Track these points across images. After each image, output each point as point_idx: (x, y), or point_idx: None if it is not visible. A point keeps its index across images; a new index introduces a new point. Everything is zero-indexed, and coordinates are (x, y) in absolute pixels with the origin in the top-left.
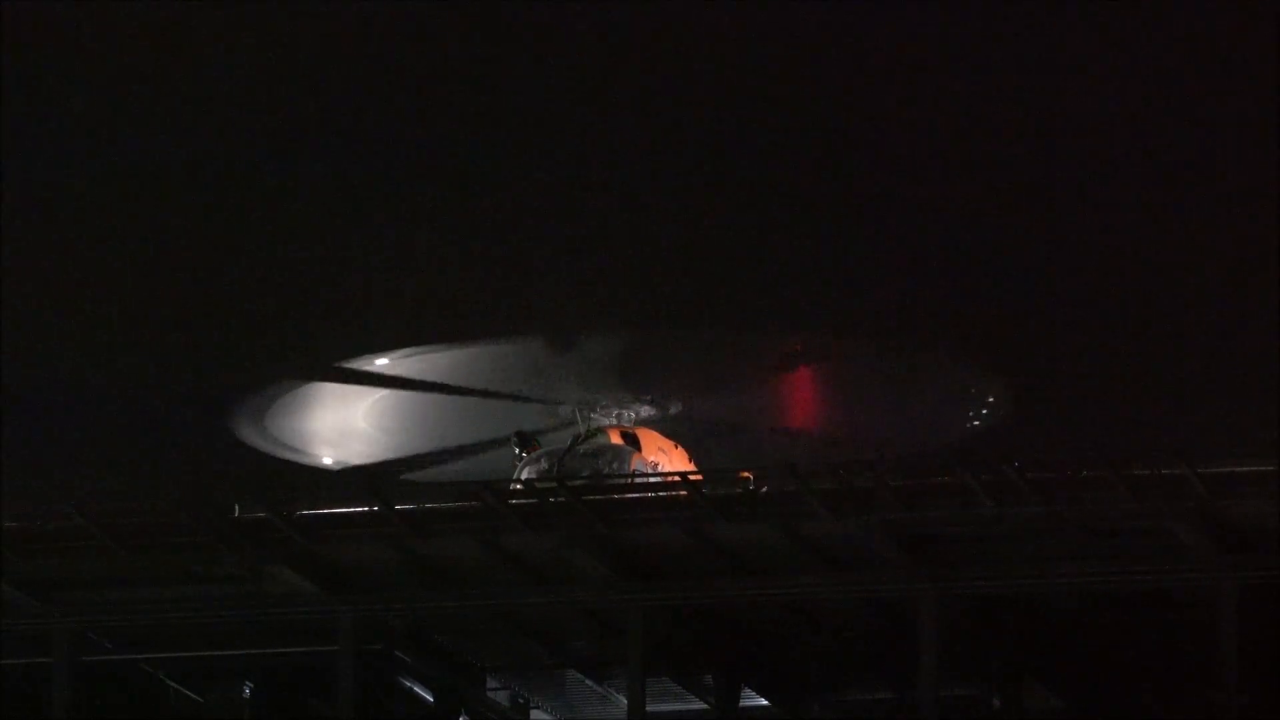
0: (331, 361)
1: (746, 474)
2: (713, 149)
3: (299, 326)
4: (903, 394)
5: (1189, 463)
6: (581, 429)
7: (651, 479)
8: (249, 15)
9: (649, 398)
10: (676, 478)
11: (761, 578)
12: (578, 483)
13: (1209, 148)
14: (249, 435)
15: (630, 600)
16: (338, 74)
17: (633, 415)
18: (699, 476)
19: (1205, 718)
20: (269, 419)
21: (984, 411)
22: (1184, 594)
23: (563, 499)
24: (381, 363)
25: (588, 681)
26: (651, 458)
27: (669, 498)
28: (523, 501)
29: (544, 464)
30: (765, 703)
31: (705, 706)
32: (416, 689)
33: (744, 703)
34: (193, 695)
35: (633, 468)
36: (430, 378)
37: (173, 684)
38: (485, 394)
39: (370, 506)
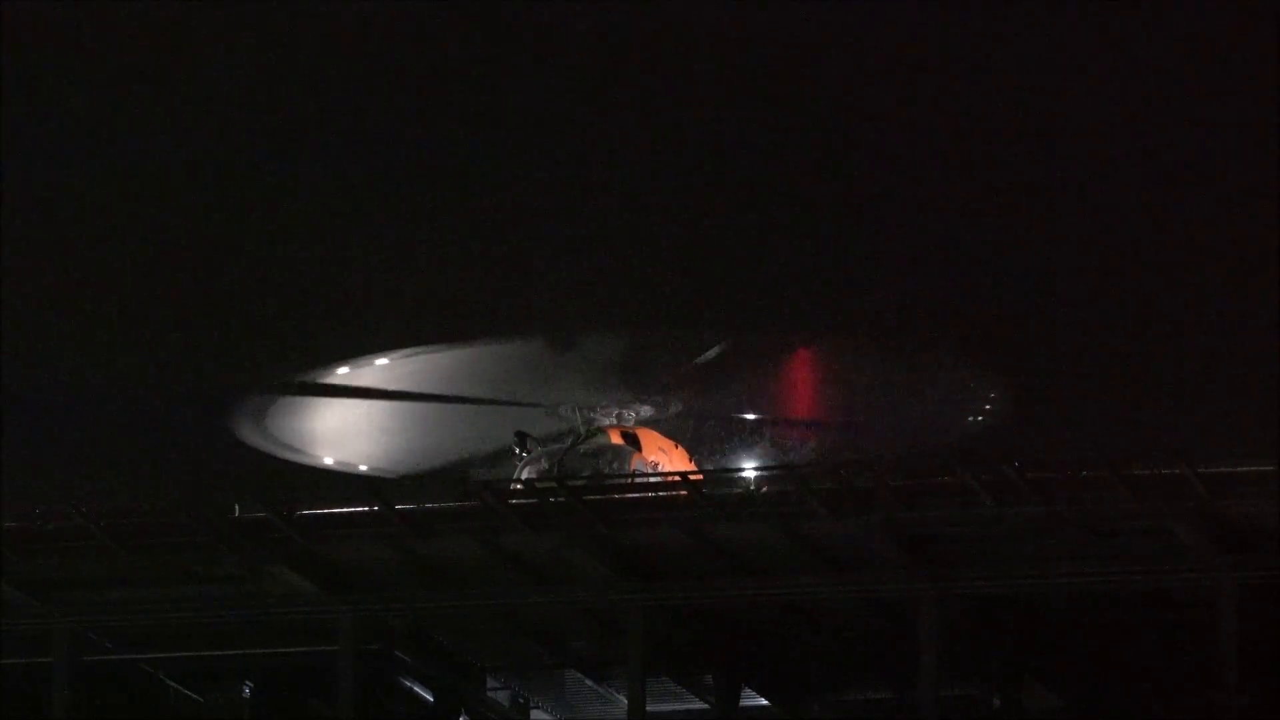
0: (331, 361)
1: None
2: (713, 148)
3: (299, 326)
4: (903, 394)
5: (1189, 463)
6: (581, 429)
7: (651, 479)
8: (249, 15)
9: (649, 398)
10: (676, 478)
11: (761, 578)
12: (578, 483)
13: (1209, 148)
14: (249, 435)
15: (630, 600)
16: (338, 74)
17: (633, 415)
18: (699, 476)
19: (1205, 718)
20: (269, 419)
21: (984, 411)
22: (1184, 594)
23: (563, 499)
24: (381, 363)
25: (588, 681)
26: (651, 458)
27: (669, 498)
28: (523, 501)
29: (544, 464)
30: (765, 703)
31: (705, 706)
32: (416, 689)
33: (744, 703)
34: (193, 695)
35: (633, 468)
36: (430, 378)
37: (173, 684)
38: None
39: (370, 506)
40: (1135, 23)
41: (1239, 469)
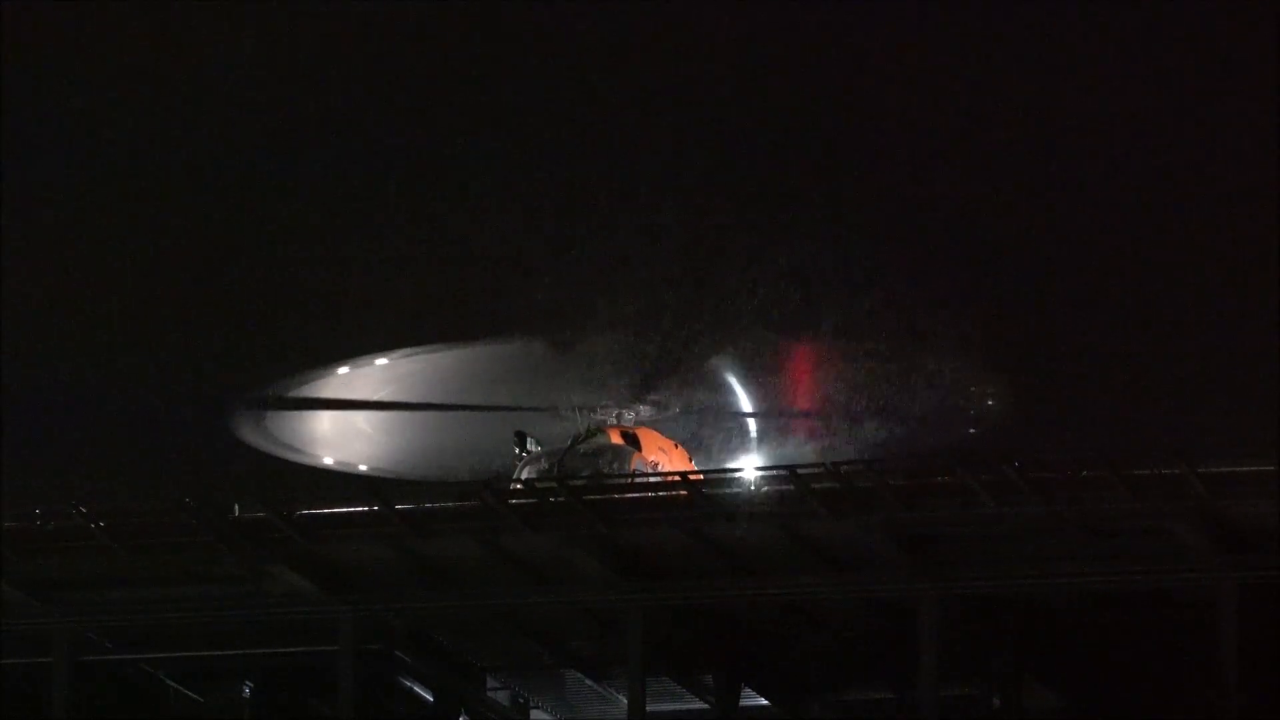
0: (331, 362)
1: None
2: (713, 148)
3: (299, 326)
4: (903, 394)
5: (1189, 463)
6: (581, 429)
7: (651, 479)
8: (249, 15)
9: (649, 398)
10: (676, 478)
11: (761, 578)
12: (578, 483)
13: (1209, 148)
14: (249, 435)
15: (630, 600)
16: (338, 74)
17: (633, 415)
18: (699, 476)
19: (1205, 718)
20: (269, 419)
21: (984, 412)
22: (1184, 594)
23: (563, 499)
24: (381, 363)
25: (588, 681)
26: (651, 458)
27: (669, 498)
28: (523, 501)
29: (544, 464)
30: (765, 703)
31: (705, 706)
32: (416, 689)
33: (744, 703)
34: (193, 695)
35: (633, 468)
36: (430, 378)
37: (173, 684)
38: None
39: (370, 506)
40: (1135, 23)
41: (1239, 469)
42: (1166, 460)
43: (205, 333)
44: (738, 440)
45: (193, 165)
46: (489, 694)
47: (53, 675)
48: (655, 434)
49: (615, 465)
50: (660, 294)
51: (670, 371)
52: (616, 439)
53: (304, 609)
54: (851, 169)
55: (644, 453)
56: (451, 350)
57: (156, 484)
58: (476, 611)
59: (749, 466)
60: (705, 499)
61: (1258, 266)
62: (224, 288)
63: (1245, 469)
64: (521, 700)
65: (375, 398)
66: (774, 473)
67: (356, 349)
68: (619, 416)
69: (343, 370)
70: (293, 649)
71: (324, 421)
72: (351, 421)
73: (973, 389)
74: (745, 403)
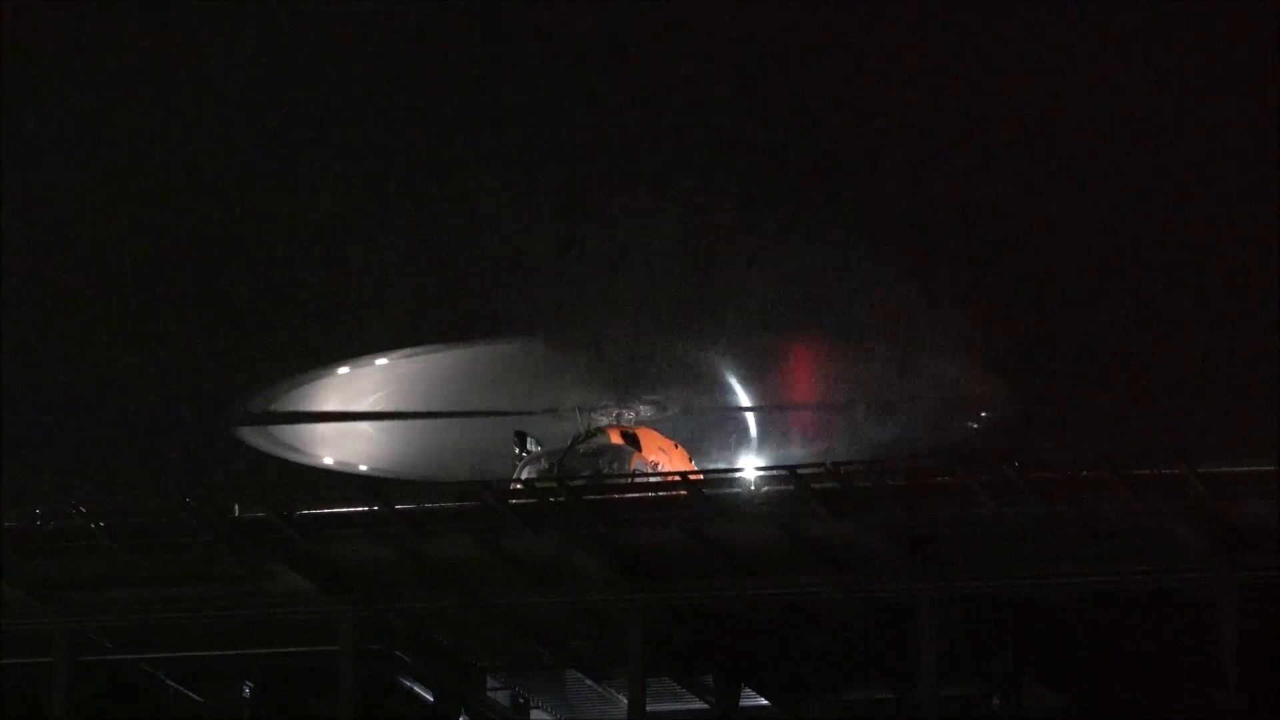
0: (331, 362)
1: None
2: (713, 148)
3: (299, 326)
4: (903, 394)
5: (1189, 463)
6: (581, 429)
7: (651, 479)
8: (249, 15)
9: (649, 398)
10: (676, 478)
11: (761, 578)
12: (578, 483)
13: (1209, 148)
14: (249, 435)
15: (630, 600)
16: (338, 74)
17: (633, 415)
18: (699, 476)
19: (1205, 718)
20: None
21: (984, 412)
22: (1184, 594)
23: (563, 499)
24: (381, 363)
25: (588, 681)
26: (651, 458)
27: (669, 498)
28: (523, 501)
29: (544, 464)
30: (765, 703)
31: (705, 706)
32: (416, 689)
33: (744, 703)
34: (193, 695)
35: (633, 468)
36: (430, 378)
37: (173, 684)
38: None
39: (370, 506)
40: (1135, 23)
41: (1239, 469)
42: (1166, 460)
43: (205, 333)
44: (738, 440)
45: (193, 165)
46: (489, 694)
47: (53, 675)
48: (655, 434)
49: (615, 465)
50: (660, 294)
51: (670, 371)
52: (616, 439)
53: (304, 609)
54: (851, 169)
55: (644, 453)
56: (451, 350)
57: (156, 484)
58: (476, 611)
59: (749, 466)
60: (705, 499)
61: (1258, 266)
62: (224, 288)
63: (1245, 469)
64: (521, 700)
65: (375, 398)
66: (774, 473)
67: (356, 349)
68: (619, 416)
69: (343, 370)
70: (293, 649)
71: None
72: (351, 421)
73: (973, 389)
74: (745, 402)
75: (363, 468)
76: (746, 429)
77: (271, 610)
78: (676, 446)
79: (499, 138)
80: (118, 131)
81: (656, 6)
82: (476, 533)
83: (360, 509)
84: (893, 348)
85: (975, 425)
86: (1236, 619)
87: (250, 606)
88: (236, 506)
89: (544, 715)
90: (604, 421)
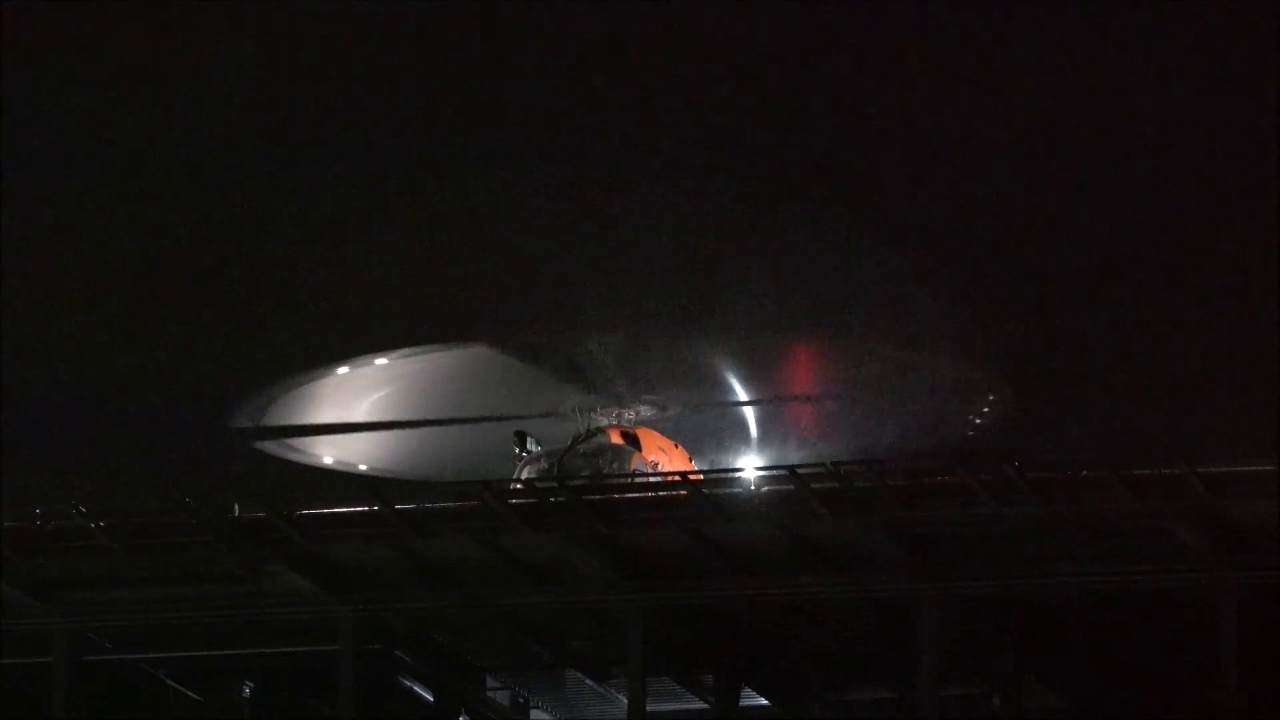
0: (331, 361)
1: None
2: (713, 148)
3: (299, 326)
4: (903, 394)
5: (1189, 463)
6: (581, 429)
7: (651, 479)
8: (249, 15)
9: (649, 398)
10: (676, 478)
11: (761, 578)
12: (578, 483)
13: (1209, 148)
14: (249, 435)
15: (630, 600)
16: (338, 74)
17: (633, 415)
18: (699, 476)
19: (1205, 718)
20: (269, 419)
21: (984, 411)
22: (1184, 594)
23: (563, 499)
24: (381, 363)
25: (588, 681)
26: (651, 458)
27: (669, 498)
28: (523, 501)
29: (544, 464)
30: (765, 703)
31: (705, 706)
32: (416, 689)
33: (744, 703)
34: (193, 695)
35: (633, 468)
36: (430, 378)
37: (173, 684)
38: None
39: (370, 506)
40: (1135, 23)
41: (1239, 469)
42: (1166, 460)
43: (205, 333)
44: (737, 440)
45: (193, 165)
46: (489, 694)
47: (53, 675)
48: (655, 434)
49: (615, 465)
50: (660, 294)
51: (670, 371)
52: (616, 439)
53: (304, 609)
54: (851, 168)
55: (644, 453)
56: (451, 350)
57: (156, 484)
58: (476, 611)
59: (749, 466)
60: (705, 499)
61: (1258, 266)
62: (224, 288)
63: (1245, 469)
64: (521, 700)
65: (375, 398)
66: (774, 473)
67: (356, 349)
68: (619, 416)
69: (342, 370)
70: (293, 649)
71: (324, 421)
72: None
73: (973, 389)
74: (745, 402)
75: (363, 468)
76: (746, 429)
77: (271, 610)
78: (676, 446)
79: (499, 138)
80: (118, 131)
81: (656, 6)
82: (476, 533)
83: (360, 509)
84: (892, 347)
85: (975, 425)
86: (1236, 619)
87: (250, 606)
88: (236, 506)
89: (544, 715)
90: (604, 421)
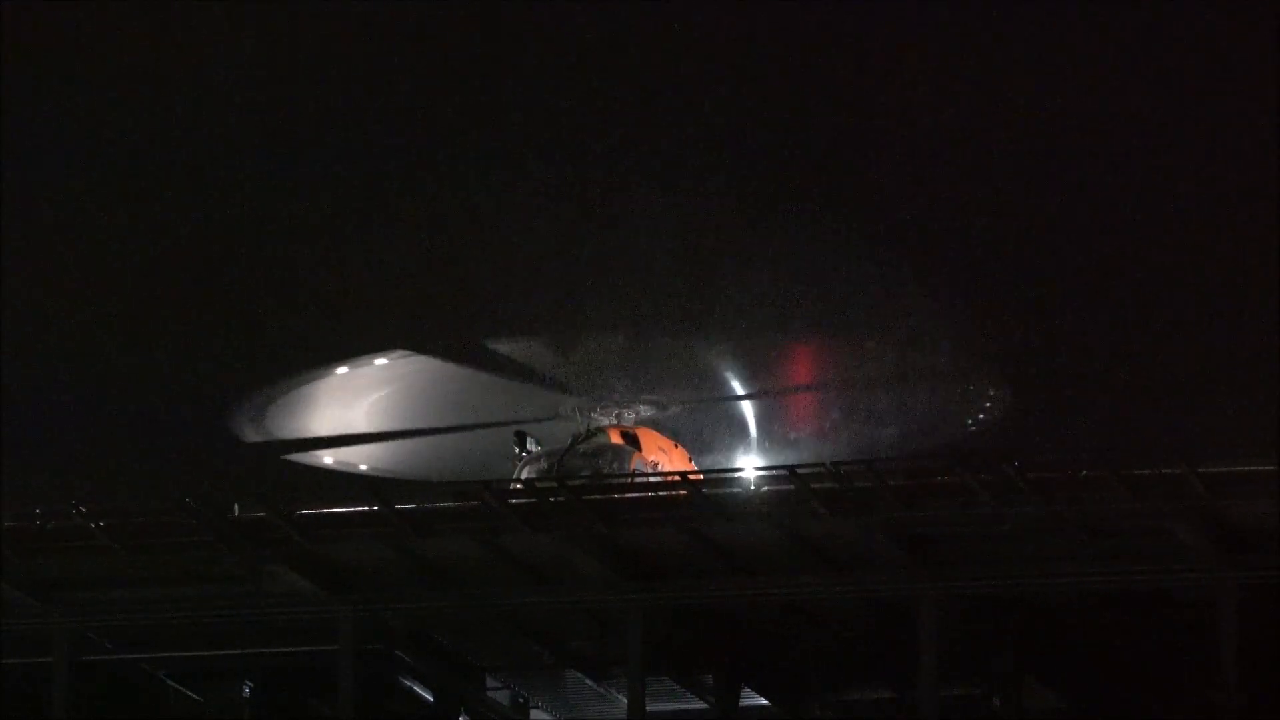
0: (332, 361)
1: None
2: (713, 148)
3: (299, 326)
4: (902, 394)
5: (1189, 463)
6: (581, 428)
7: (651, 479)
8: (249, 15)
9: (649, 398)
10: (676, 478)
11: (761, 578)
12: (578, 483)
13: (1209, 148)
14: (249, 435)
15: (630, 600)
16: (338, 74)
17: (633, 415)
18: (699, 476)
19: (1205, 718)
20: (269, 419)
21: (984, 411)
22: (1184, 594)
23: (563, 499)
24: (381, 363)
25: (588, 681)
26: (651, 458)
27: (669, 498)
28: (523, 501)
29: (544, 464)
30: (765, 703)
31: (705, 706)
32: (416, 689)
33: (744, 703)
34: (193, 695)
35: (633, 468)
36: (430, 378)
37: (173, 684)
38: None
39: (370, 506)
40: (1135, 23)
41: (1239, 469)
42: (1166, 460)
43: (204, 333)
44: (737, 440)
45: (193, 165)
46: (489, 694)
47: (53, 675)
48: (655, 434)
49: (615, 465)
50: (660, 294)
51: (670, 371)
52: (616, 439)
53: (304, 609)
54: (851, 169)
55: (644, 453)
56: (451, 350)
57: (156, 484)
58: (476, 611)
59: (749, 466)
60: (705, 499)
61: (1258, 266)
62: (224, 288)
63: (1245, 469)
64: (521, 700)
65: (375, 398)
66: (774, 473)
67: (356, 349)
68: (619, 416)
69: (342, 370)
70: (293, 649)
71: (324, 421)
72: (351, 422)
73: (973, 389)
74: (745, 402)
75: (363, 468)
76: (746, 428)
77: (271, 610)
78: (676, 446)
79: (499, 138)
80: (118, 131)
81: (656, 6)
82: (476, 533)
83: (360, 509)
84: (892, 347)
85: (975, 425)
86: (1236, 619)
87: (250, 606)
88: (236, 506)
89: (544, 715)
90: (604, 421)
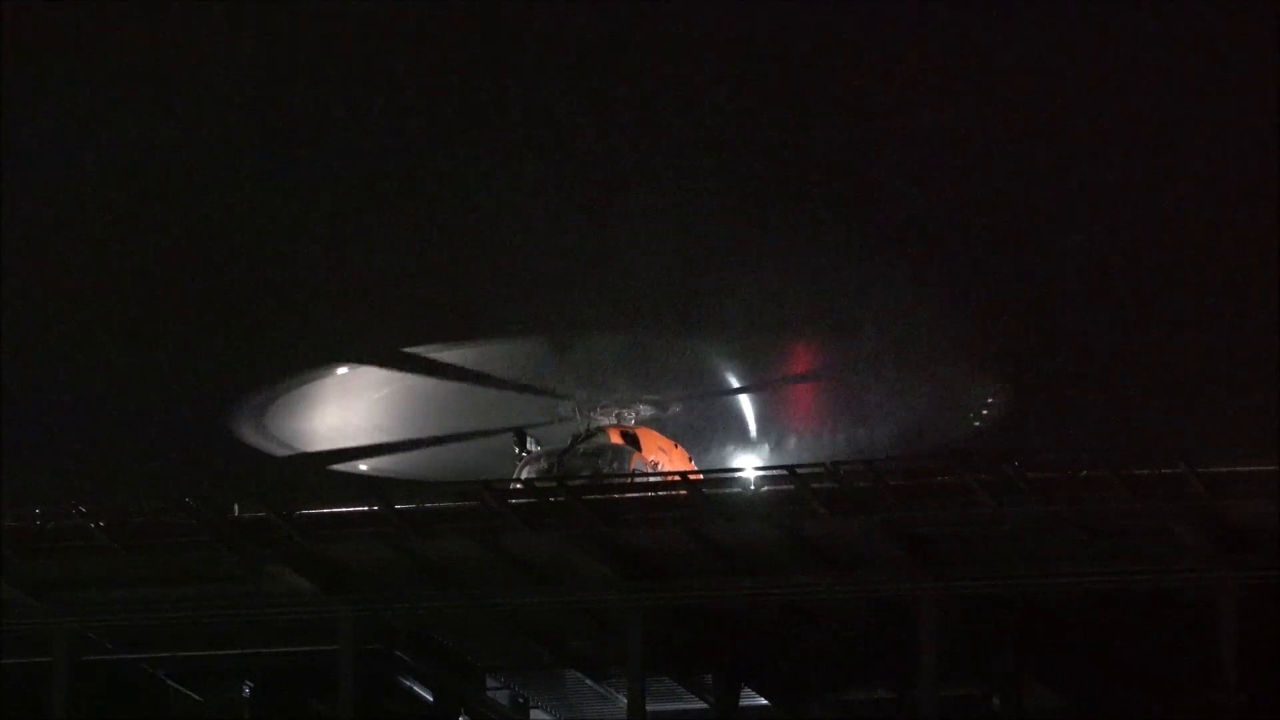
0: (332, 361)
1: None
2: (713, 148)
3: (299, 326)
4: (903, 393)
5: (1189, 463)
6: (581, 429)
7: (651, 479)
8: (249, 15)
9: (649, 398)
10: (676, 478)
11: (761, 578)
12: (578, 483)
13: (1209, 148)
14: (249, 435)
15: (630, 600)
16: (338, 74)
17: (633, 415)
18: (699, 476)
19: (1205, 718)
20: (269, 419)
21: (984, 411)
22: (1184, 594)
23: (563, 499)
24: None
25: (588, 681)
26: (651, 458)
27: (669, 498)
28: (523, 501)
29: (544, 464)
30: (765, 703)
31: (705, 706)
32: (416, 689)
33: (744, 703)
34: (193, 695)
35: (633, 468)
36: (429, 379)
37: (173, 684)
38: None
39: (370, 506)
40: (1135, 23)
41: (1239, 469)
42: (1166, 460)
43: (205, 332)
44: (737, 440)
45: (193, 165)
46: (489, 694)
47: (53, 675)
48: (655, 434)
49: (615, 465)
50: (660, 294)
51: (670, 371)
52: (616, 439)
53: (304, 609)
54: (850, 168)
55: (644, 453)
56: (451, 350)
57: (156, 484)
58: (476, 611)
59: (749, 466)
60: (705, 499)
61: (1258, 266)
62: (224, 287)
63: (1245, 469)
64: (521, 700)
65: (375, 398)
66: (774, 473)
67: (356, 349)
68: (619, 416)
69: (342, 370)
70: (293, 649)
71: (324, 421)
72: (351, 422)
73: (973, 389)
74: (745, 402)
75: (363, 468)
76: (746, 429)
77: (271, 610)
78: (676, 446)
79: (499, 138)
80: (118, 131)
81: (656, 6)
82: (476, 533)
83: (360, 509)
84: (892, 347)
85: (975, 425)
86: (1236, 619)
87: (250, 606)
88: (236, 506)
89: (544, 715)
90: (604, 421)
